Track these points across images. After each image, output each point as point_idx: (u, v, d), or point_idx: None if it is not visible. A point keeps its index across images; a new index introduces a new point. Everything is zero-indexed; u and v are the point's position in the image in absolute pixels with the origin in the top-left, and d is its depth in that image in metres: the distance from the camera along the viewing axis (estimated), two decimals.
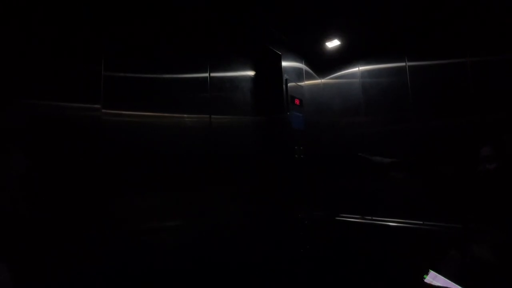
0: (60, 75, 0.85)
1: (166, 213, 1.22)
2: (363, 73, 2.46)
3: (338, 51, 2.46)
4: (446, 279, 1.14)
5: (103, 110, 0.95)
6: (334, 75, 2.65)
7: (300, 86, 2.27)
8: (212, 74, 1.60)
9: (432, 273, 1.11)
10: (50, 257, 0.79)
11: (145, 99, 1.17)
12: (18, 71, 0.72)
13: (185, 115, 1.39)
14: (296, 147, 2.06)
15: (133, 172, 1.07)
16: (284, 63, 2.10)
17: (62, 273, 0.82)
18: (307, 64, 2.49)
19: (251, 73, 1.97)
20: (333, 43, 2.31)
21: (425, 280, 1.18)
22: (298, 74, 2.33)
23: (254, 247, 1.75)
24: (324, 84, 2.70)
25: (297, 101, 2.16)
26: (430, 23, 2.04)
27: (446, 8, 1.90)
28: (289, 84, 2.08)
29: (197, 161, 1.42)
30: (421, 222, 1.98)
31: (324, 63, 2.65)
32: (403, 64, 2.22)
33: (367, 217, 2.29)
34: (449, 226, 1.84)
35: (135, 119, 1.12)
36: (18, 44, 0.77)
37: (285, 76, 2.07)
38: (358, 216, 2.35)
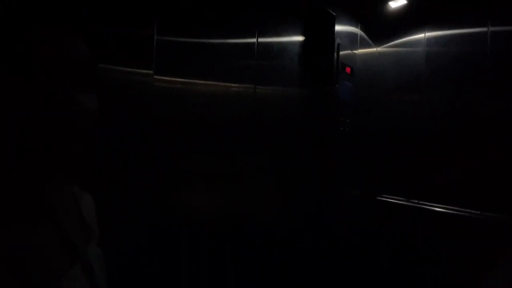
0: (113, 37, 0.85)
1: (212, 179, 1.26)
2: (430, 41, 2.12)
3: (402, 12, 2.12)
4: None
5: (155, 76, 0.95)
6: (393, 42, 2.33)
7: (353, 53, 2.06)
8: (260, 40, 1.50)
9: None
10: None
11: (194, 65, 1.14)
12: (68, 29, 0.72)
13: (231, 84, 1.35)
14: (342, 119, 1.93)
15: (181, 139, 1.09)
16: (338, 27, 1.89)
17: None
18: (363, 28, 2.22)
19: (300, 38, 1.81)
20: (397, 2, 1.99)
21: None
22: (352, 40, 2.10)
23: (292, 217, 1.77)
24: (380, 53, 2.40)
25: (348, 70, 1.97)
26: None
27: None
28: (341, 52, 1.89)
29: (240, 132, 1.41)
30: (479, 212, 1.79)
31: (383, 28, 2.33)
32: (484, 29, 1.85)
33: (413, 200, 2.14)
34: None
35: (183, 86, 1.11)
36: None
37: (337, 41, 1.88)
38: (402, 198, 2.21)
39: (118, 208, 0.85)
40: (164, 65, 0.99)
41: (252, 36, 1.46)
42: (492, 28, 1.83)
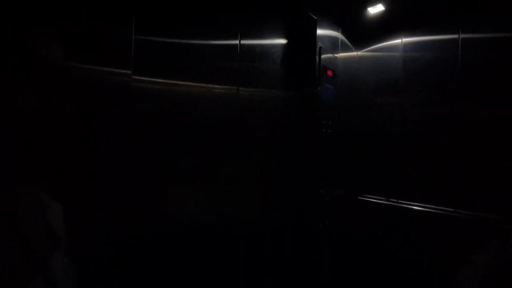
0: (89, 35, 0.82)
1: (194, 181, 1.24)
2: (406, 46, 2.21)
3: (380, 18, 2.21)
4: None
5: (134, 76, 0.92)
6: (372, 47, 2.42)
7: (335, 57, 2.11)
8: (243, 42, 1.51)
9: None
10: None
11: (175, 66, 1.13)
12: (41, 28, 0.69)
13: (213, 86, 1.35)
14: (324, 121, 1.97)
15: (160, 140, 1.07)
16: (319, 31, 1.93)
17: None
18: (343, 33, 2.28)
19: (283, 40, 1.83)
20: (376, 9, 2.07)
21: None
22: (333, 44, 2.15)
23: (274, 217, 1.78)
24: (360, 57, 2.48)
25: (329, 72, 2.01)
26: None
27: None
28: (322, 55, 1.93)
29: (222, 134, 1.40)
30: (452, 210, 1.88)
31: (363, 33, 2.41)
32: (455, 36, 1.96)
33: (392, 200, 2.22)
34: (486, 217, 1.73)
35: (164, 87, 1.09)
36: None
37: (319, 45, 1.92)
38: (382, 198, 2.28)
39: (90, 214, 0.82)
40: (143, 65, 0.97)
41: (235, 38, 1.46)
42: (462, 35, 1.93)
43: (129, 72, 0.90)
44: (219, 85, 1.40)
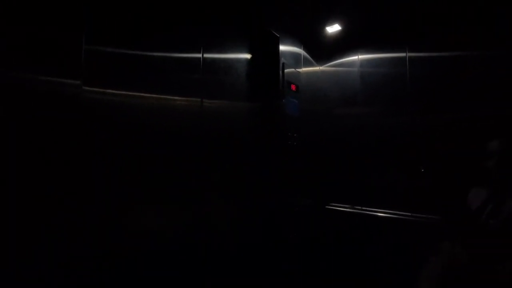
0: (33, 44, 0.78)
1: (154, 197, 1.19)
2: (363, 62, 2.40)
3: (338, 37, 2.37)
4: None
5: (84, 87, 0.88)
6: (333, 62, 2.58)
7: (298, 72, 2.21)
8: (206, 55, 1.52)
9: None
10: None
11: (133, 78, 1.10)
12: None
13: (175, 98, 1.33)
14: (289, 134, 2.03)
15: (114, 155, 1.02)
16: (282, 47, 2.02)
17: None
18: (306, 50, 2.41)
19: (246, 55, 1.89)
20: (333, 28, 2.22)
21: None
22: (296, 60, 2.26)
23: (243, 230, 1.75)
24: (322, 71, 2.63)
25: (293, 87, 2.10)
26: (432, 16, 1.97)
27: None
28: (286, 70, 2.01)
29: (186, 146, 1.38)
30: (409, 214, 2.00)
31: (324, 50, 2.57)
32: (403, 54, 2.16)
33: (356, 207, 2.31)
34: (440, 219, 1.86)
35: (121, 98, 1.05)
36: None
37: (282, 60, 2.00)
38: (348, 206, 2.36)
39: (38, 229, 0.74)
40: (96, 76, 0.93)
41: (197, 51, 1.48)
42: (409, 54, 2.14)
43: (78, 82, 0.86)
44: (182, 97, 1.39)
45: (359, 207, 2.30)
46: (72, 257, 0.85)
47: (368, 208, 2.24)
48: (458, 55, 1.91)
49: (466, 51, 1.88)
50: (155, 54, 1.22)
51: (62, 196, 0.83)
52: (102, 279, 0.94)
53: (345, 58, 2.51)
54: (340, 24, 2.17)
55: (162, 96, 1.25)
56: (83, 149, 0.89)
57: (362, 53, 2.40)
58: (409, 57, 2.14)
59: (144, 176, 1.14)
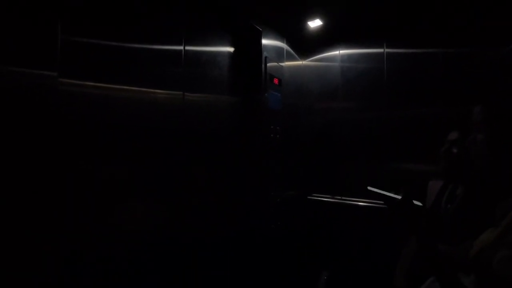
0: (5, 33, 0.76)
1: (134, 191, 1.20)
2: (343, 57, 2.46)
3: (320, 32, 2.41)
4: None
5: (60, 79, 0.88)
6: (315, 57, 2.63)
7: (280, 66, 2.24)
8: (188, 48, 1.52)
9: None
10: None
11: (112, 70, 1.09)
12: None
13: (156, 91, 1.33)
14: (272, 127, 2.07)
15: (92, 148, 1.02)
16: (265, 41, 2.04)
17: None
18: (289, 44, 2.44)
19: (230, 49, 1.90)
20: (315, 23, 2.26)
21: None
22: (279, 54, 2.28)
23: (225, 221, 1.79)
24: (304, 66, 2.67)
25: (275, 80, 2.13)
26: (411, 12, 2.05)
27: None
28: (268, 64, 2.04)
29: (168, 140, 1.39)
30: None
31: (307, 44, 2.60)
32: (381, 50, 2.24)
33: (336, 197, 2.40)
34: None
35: (99, 91, 1.05)
36: None
37: (264, 54, 2.02)
38: (328, 196, 2.45)
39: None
40: (73, 68, 0.93)
41: (179, 44, 1.47)
42: (387, 50, 2.22)
43: (54, 74, 0.85)
44: (163, 90, 1.39)
45: (339, 197, 2.39)
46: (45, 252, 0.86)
47: (347, 198, 2.34)
48: (432, 52, 2.01)
49: (438, 48, 1.98)
50: (135, 45, 1.22)
51: (36, 191, 0.83)
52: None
53: (327, 53, 2.56)
54: (322, 19, 2.21)
55: (142, 89, 1.25)
56: (59, 143, 0.89)
57: (343, 48, 2.47)
58: (387, 52, 2.22)
59: (122, 170, 1.15)
